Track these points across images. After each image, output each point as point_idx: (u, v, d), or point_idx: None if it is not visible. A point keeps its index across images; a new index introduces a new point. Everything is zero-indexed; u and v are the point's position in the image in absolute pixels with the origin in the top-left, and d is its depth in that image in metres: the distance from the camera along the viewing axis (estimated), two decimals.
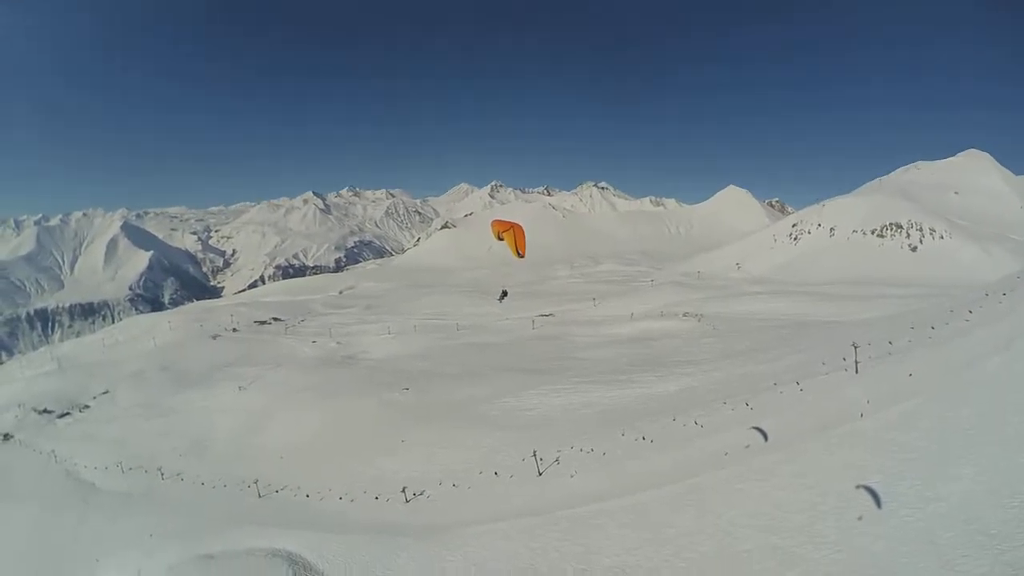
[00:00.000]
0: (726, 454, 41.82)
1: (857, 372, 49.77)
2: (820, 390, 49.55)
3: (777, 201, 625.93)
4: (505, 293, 66.85)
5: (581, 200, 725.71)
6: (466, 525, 43.98)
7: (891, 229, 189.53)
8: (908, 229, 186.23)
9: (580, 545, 35.72)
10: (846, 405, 42.28)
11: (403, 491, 55.40)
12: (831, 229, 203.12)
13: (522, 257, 40.10)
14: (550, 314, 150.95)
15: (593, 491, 44.08)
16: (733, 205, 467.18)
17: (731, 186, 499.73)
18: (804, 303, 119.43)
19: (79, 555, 62.27)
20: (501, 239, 39.85)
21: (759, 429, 44.11)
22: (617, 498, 40.39)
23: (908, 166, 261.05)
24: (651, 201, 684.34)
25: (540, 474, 51.37)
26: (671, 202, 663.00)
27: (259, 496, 65.34)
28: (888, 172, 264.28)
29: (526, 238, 40.31)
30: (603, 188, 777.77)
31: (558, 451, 54.57)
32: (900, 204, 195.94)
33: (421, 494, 55.34)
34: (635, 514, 36.98)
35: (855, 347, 51.80)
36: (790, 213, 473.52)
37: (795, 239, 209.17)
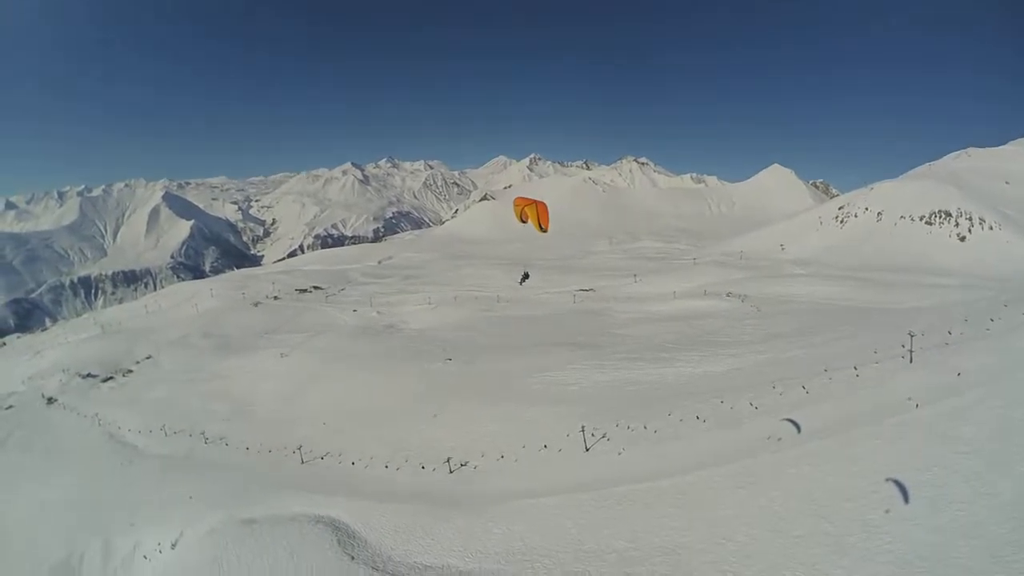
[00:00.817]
0: (780, 439, 41.57)
1: (911, 362, 49.13)
2: (874, 378, 48.89)
3: (822, 182, 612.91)
4: (527, 275, 65.85)
5: (621, 175, 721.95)
6: (511, 498, 44.32)
7: (939, 217, 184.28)
8: (957, 218, 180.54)
9: (629, 523, 35.71)
10: (900, 394, 41.92)
11: (447, 462, 55.86)
12: (878, 213, 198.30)
13: (545, 231, 40.46)
14: (590, 289, 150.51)
15: (641, 469, 43.95)
16: (776, 184, 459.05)
17: (775, 165, 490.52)
18: (849, 288, 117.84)
19: (120, 517, 63.40)
20: (524, 220, 40.13)
21: (792, 421, 43.83)
22: (667, 477, 40.31)
23: (959, 152, 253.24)
24: (692, 178, 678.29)
25: (587, 450, 51.47)
26: (712, 179, 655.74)
27: (302, 462, 65.97)
28: (938, 158, 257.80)
29: (549, 213, 40.61)
30: (643, 163, 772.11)
31: (604, 427, 54.47)
32: (949, 191, 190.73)
33: (465, 465, 55.68)
34: (685, 494, 36.95)
35: (911, 336, 51.14)
36: (835, 195, 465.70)
37: (841, 222, 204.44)
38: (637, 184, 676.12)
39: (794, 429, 42.55)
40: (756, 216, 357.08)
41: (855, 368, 52.12)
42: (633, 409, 58.84)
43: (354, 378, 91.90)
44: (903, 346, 51.54)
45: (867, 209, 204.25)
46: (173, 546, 55.51)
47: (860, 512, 29.02)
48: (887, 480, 30.54)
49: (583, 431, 53.06)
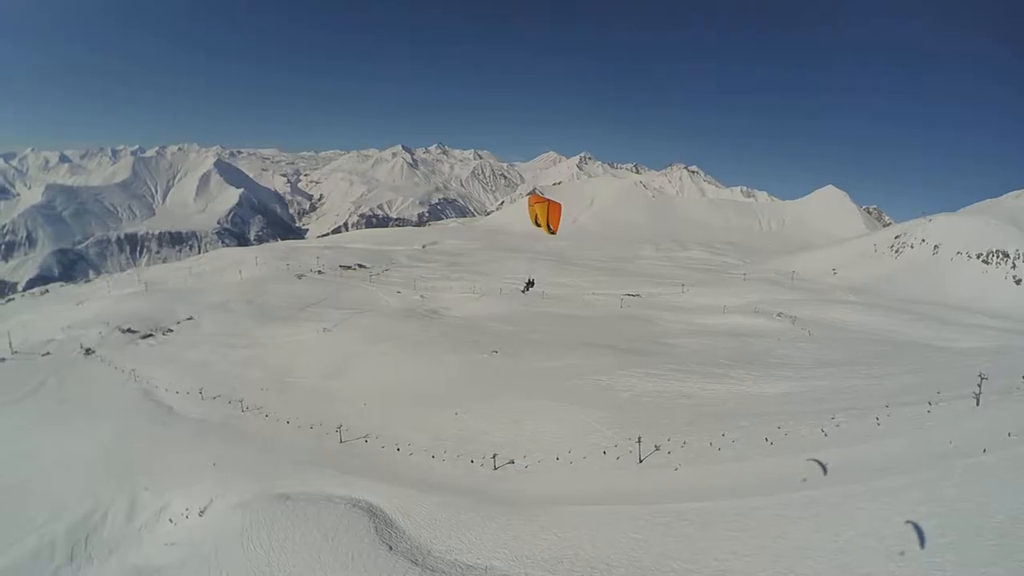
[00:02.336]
0: (845, 471, 39.73)
1: (978, 404, 47.09)
2: (939, 417, 47.08)
3: (874, 208, 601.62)
4: (531, 283, 62.12)
5: (670, 181, 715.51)
6: (561, 502, 42.84)
7: (996, 256, 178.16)
8: (1015, 259, 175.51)
9: (687, 543, 34.02)
10: (968, 437, 40.17)
11: (494, 458, 54.49)
12: (935, 247, 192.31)
13: (553, 233, 39.89)
14: (636, 294, 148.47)
15: (699, 488, 42.43)
16: (829, 206, 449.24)
17: (830, 186, 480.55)
18: (901, 320, 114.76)
19: (149, 477, 62.40)
20: (538, 224, 39.94)
21: (818, 461, 42.16)
22: (726, 499, 38.75)
23: (1020, 191, 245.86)
24: (742, 191, 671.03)
25: (641, 461, 49.90)
26: (762, 195, 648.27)
27: (341, 441, 64.98)
28: (1000, 195, 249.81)
29: (561, 215, 40.32)
30: (693, 172, 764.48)
31: (658, 440, 52.74)
32: (1009, 231, 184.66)
33: (511, 462, 54.36)
34: (745, 519, 35.14)
35: (982, 378, 48.84)
36: (887, 222, 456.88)
37: (897, 252, 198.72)
38: (686, 192, 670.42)
39: (859, 462, 40.76)
40: (806, 236, 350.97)
41: (928, 404, 50.19)
42: (687, 424, 57.24)
43: (397, 361, 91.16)
44: (977, 387, 48.98)
45: (924, 241, 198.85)
46: (201, 513, 54.78)
47: (926, 554, 27.36)
48: (906, 522, 29.58)
49: (639, 442, 51.20)
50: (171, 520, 55.83)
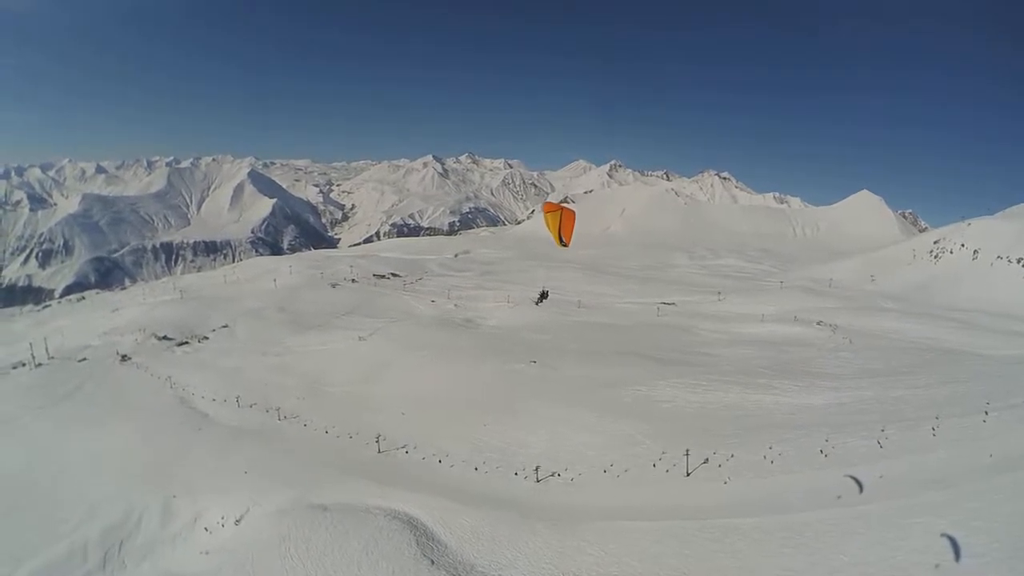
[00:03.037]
0: (898, 485, 38.75)
1: None
2: (992, 429, 45.95)
3: (910, 213, 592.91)
4: (545, 295, 61.33)
5: (701, 188, 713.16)
6: (606, 517, 41.90)
7: None
8: None
9: (737, 559, 33.39)
10: (1019, 450, 39.47)
11: (536, 470, 53.45)
12: (975, 251, 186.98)
13: (565, 246, 38.37)
14: (672, 303, 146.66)
15: (748, 502, 41.53)
16: (865, 212, 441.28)
17: (864, 191, 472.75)
18: (943, 328, 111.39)
19: (183, 484, 62.32)
20: (562, 240, 38.29)
21: (854, 478, 41.24)
22: (777, 514, 37.84)
23: None
24: (774, 197, 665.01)
25: (688, 474, 48.68)
26: (795, 201, 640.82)
27: (379, 451, 64.12)
28: None
29: (575, 224, 38.96)
30: (725, 178, 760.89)
31: (704, 452, 51.52)
32: None
33: (553, 475, 53.33)
34: (798, 534, 34.24)
35: None
36: (923, 228, 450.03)
37: (936, 257, 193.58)
38: (717, 199, 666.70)
39: (913, 475, 39.86)
40: (841, 243, 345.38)
41: (984, 415, 48.67)
42: (733, 436, 55.89)
43: (433, 369, 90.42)
44: None
45: (963, 246, 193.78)
46: (237, 522, 54.60)
47: (980, 570, 26.99)
48: (941, 535, 29.43)
49: (688, 455, 49.92)
50: (206, 528, 55.74)
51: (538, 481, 52.42)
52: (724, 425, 60.18)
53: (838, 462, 45.97)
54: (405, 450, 63.64)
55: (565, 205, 38.96)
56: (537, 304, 61.03)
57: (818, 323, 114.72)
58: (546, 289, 59.31)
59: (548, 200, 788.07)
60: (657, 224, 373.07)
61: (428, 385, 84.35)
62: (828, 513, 36.34)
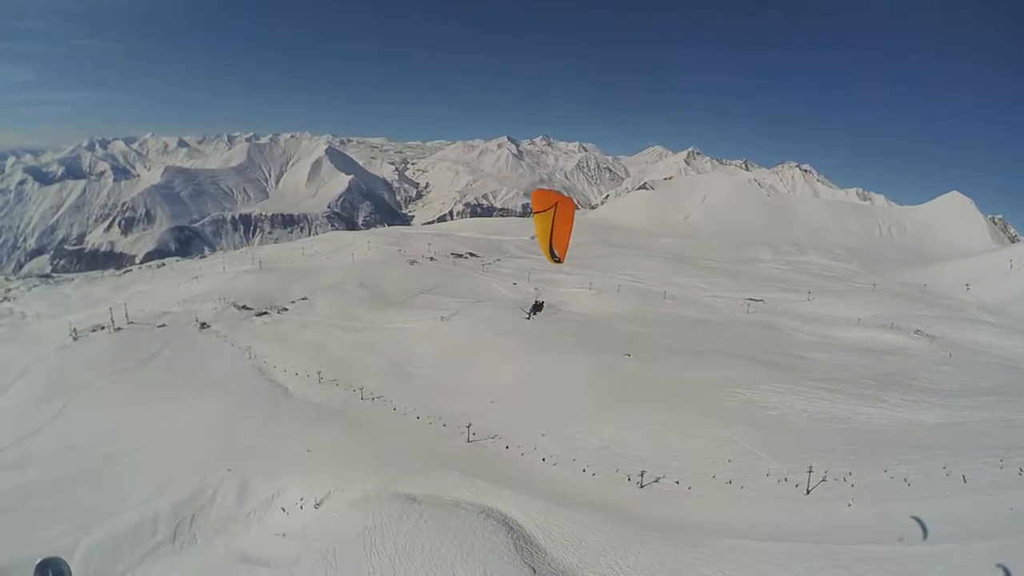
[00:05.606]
0: None
1: None
2: None
3: (999, 218, 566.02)
4: (539, 306, 50.69)
5: (781, 180, 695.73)
6: (719, 533, 39.07)
7: None
8: None
9: None
10: None
11: (641, 475, 49.96)
12: None
13: (558, 262, 28.68)
14: (760, 299, 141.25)
15: (876, 528, 38.36)
16: (953, 214, 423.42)
17: (954, 192, 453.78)
18: None
19: (262, 460, 60.97)
20: (554, 254, 28.42)
21: (918, 519, 38.22)
22: (907, 544, 35.22)
23: None
24: (857, 193, 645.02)
25: (808, 492, 44.67)
26: (879, 198, 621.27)
27: (468, 441, 61.78)
28: None
29: (572, 227, 28.36)
30: (806, 171, 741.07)
31: (820, 468, 47.75)
32: None
33: (656, 480, 49.84)
34: (931, 567, 32.02)
35: None
36: (1014, 235, 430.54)
37: None
38: (798, 192, 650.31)
39: None
40: (929, 246, 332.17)
41: None
42: (848, 452, 52.70)
43: (522, 357, 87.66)
44: None
45: None
46: (317, 505, 52.83)
47: None
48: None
49: (811, 472, 45.83)
50: (283, 509, 53.94)
51: (641, 486, 49.31)
52: (836, 438, 57.02)
53: (967, 489, 43.29)
54: (495, 441, 61.15)
55: (564, 196, 28.08)
56: (528, 318, 49.70)
57: (916, 332, 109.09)
58: (541, 300, 50.48)
59: (626, 185, 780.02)
60: (739, 215, 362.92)
61: (517, 373, 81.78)
62: (965, 547, 33.74)
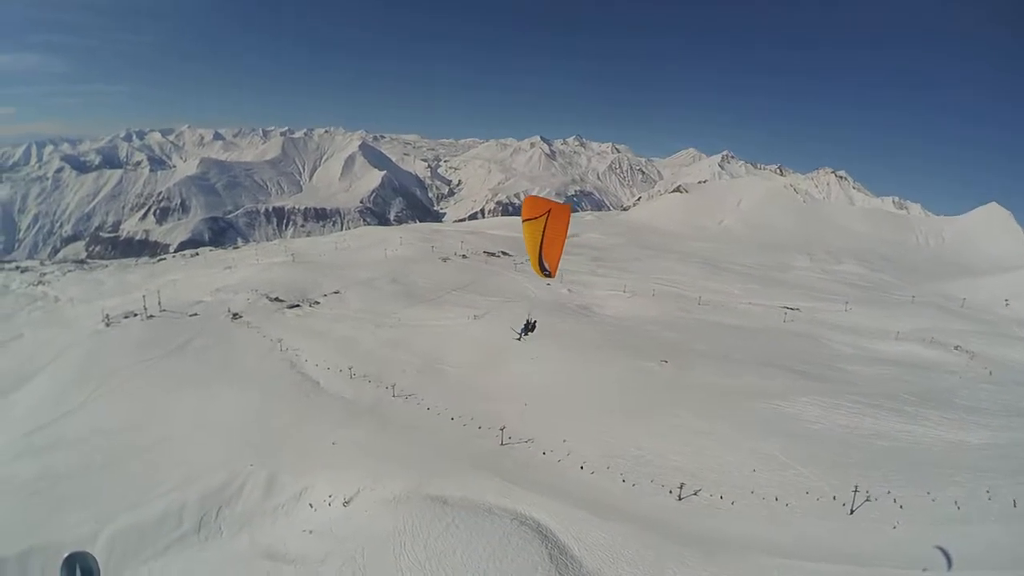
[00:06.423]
0: None
1: None
2: None
3: None
4: (531, 326, 43.06)
5: (816, 186, 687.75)
6: (763, 551, 37.87)
7: None
8: None
9: None
10: None
11: (680, 487, 48.68)
12: None
13: (549, 276, 26.97)
14: (796, 308, 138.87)
15: (924, 555, 36.68)
16: (991, 226, 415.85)
17: (993, 203, 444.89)
18: None
19: (290, 454, 60.48)
20: (544, 268, 26.67)
21: (942, 550, 36.67)
22: (958, 571, 34.08)
23: None
24: (894, 202, 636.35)
25: (852, 512, 43.17)
26: (915, 207, 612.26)
27: (502, 444, 60.76)
28: None
29: (565, 239, 26.44)
30: (842, 177, 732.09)
31: (864, 487, 46.12)
32: None
33: (695, 493, 48.51)
34: None
35: None
36: None
37: None
38: (833, 199, 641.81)
39: None
40: (966, 258, 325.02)
41: None
42: (892, 471, 50.97)
43: (557, 359, 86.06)
44: None
45: None
46: (346, 503, 52.15)
47: None
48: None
49: (856, 491, 44.49)
50: (311, 505, 53.45)
51: (680, 499, 48.03)
52: (878, 456, 55.38)
53: (1018, 515, 41.99)
54: (529, 445, 60.12)
55: (557, 203, 25.70)
56: (519, 339, 44.33)
57: (956, 347, 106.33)
58: (534, 320, 43.14)
59: (658, 188, 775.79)
60: (774, 221, 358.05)
61: (552, 375, 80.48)
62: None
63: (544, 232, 25.16)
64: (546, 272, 26.43)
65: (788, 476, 50.13)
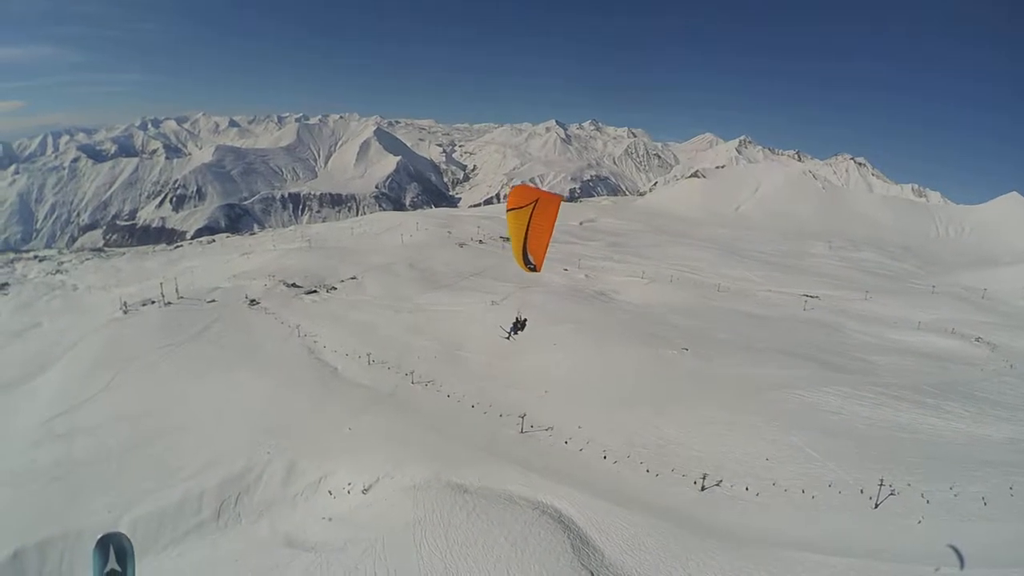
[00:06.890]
0: None
1: None
2: None
3: None
4: (520, 324, 40.43)
5: (835, 172, 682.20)
6: (786, 545, 37.52)
7: None
8: None
9: None
10: None
11: (703, 478, 48.34)
12: None
13: (535, 270, 25.22)
14: (816, 296, 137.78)
15: (947, 548, 36.18)
16: (1012, 216, 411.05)
17: (1014, 193, 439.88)
18: None
19: (310, 441, 60.53)
20: (529, 261, 24.84)
21: (954, 548, 35.95)
22: (983, 567, 33.53)
23: None
24: (913, 189, 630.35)
25: (876, 506, 42.64)
26: (935, 195, 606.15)
27: (522, 431, 60.56)
28: None
29: (553, 228, 24.02)
30: (861, 164, 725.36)
31: (885, 479, 45.56)
32: None
33: (718, 484, 48.07)
34: None
35: None
36: None
37: None
38: (852, 185, 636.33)
39: None
40: (988, 248, 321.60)
41: None
42: (915, 464, 50.31)
43: (576, 346, 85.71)
44: None
45: None
46: (365, 491, 52.28)
47: None
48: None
49: (881, 485, 44.12)
50: (330, 492, 53.57)
51: (703, 490, 47.82)
52: (901, 449, 54.69)
53: None
54: (549, 434, 59.88)
55: (546, 192, 23.58)
56: (508, 338, 41.71)
57: (977, 339, 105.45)
58: (523, 318, 40.63)
59: (675, 172, 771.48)
60: (792, 207, 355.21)
61: (571, 363, 79.96)
62: None
63: (529, 223, 23.49)
64: (531, 266, 24.93)
65: (811, 468, 49.60)
